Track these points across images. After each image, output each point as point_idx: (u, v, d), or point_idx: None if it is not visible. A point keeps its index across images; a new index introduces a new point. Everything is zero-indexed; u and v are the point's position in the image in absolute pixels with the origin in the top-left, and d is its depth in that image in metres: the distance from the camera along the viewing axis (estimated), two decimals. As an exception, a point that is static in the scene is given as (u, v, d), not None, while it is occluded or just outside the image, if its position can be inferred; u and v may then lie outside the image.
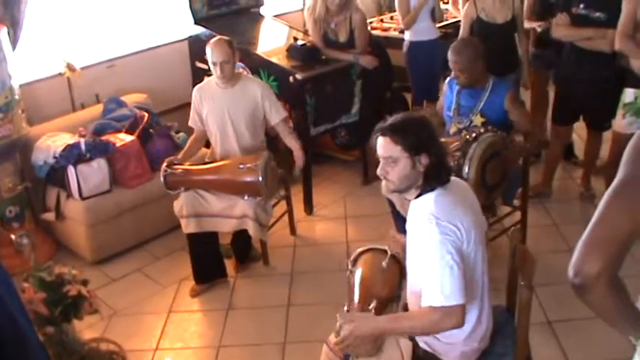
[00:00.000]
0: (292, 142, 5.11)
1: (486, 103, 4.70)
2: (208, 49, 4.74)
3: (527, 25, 6.01)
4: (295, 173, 5.28)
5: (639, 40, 4.82)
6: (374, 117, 5.14)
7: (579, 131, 6.17)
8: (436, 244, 2.73)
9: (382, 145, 2.88)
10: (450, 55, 4.73)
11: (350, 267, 3.39)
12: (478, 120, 4.67)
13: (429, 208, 2.83)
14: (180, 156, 4.98)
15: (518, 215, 5.14)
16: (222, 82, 4.83)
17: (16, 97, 5.15)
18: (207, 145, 5.22)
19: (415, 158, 2.84)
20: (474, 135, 4.33)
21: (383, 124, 2.90)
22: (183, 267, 5.12)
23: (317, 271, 5.13)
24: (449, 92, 4.90)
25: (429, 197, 2.88)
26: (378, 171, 2.93)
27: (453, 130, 4.74)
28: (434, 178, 2.89)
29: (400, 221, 4.44)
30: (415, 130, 2.88)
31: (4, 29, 5.10)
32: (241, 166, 4.68)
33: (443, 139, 4.39)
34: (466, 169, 4.19)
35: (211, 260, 5.05)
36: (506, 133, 4.62)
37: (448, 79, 4.93)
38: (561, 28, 5.32)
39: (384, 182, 2.99)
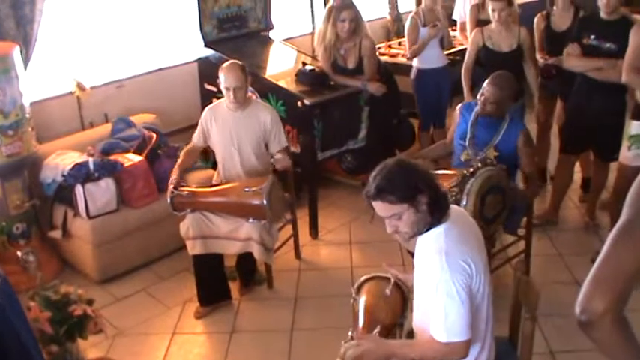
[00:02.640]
0: (280, 159, 4.99)
1: (502, 139, 4.71)
2: (221, 74, 4.78)
3: (538, 56, 6.05)
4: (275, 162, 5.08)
5: None
6: (381, 143, 5.20)
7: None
8: (445, 281, 2.76)
9: (379, 209, 2.88)
10: (487, 85, 4.71)
11: (354, 295, 3.43)
12: (491, 154, 4.67)
13: (439, 243, 2.85)
14: (174, 170, 4.99)
15: (522, 244, 5.14)
16: (233, 107, 4.86)
17: (27, 115, 5.20)
18: (215, 166, 5.23)
19: (414, 204, 2.84)
20: (471, 170, 4.34)
21: (369, 189, 2.87)
22: (188, 288, 5.13)
23: (321, 295, 5.13)
24: (462, 120, 4.90)
25: (438, 231, 2.90)
26: (388, 230, 2.93)
27: (464, 157, 4.74)
28: (438, 210, 2.90)
29: None
30: (401, 179, 2.85)
31: (17, 48, 5.15)
32: (247, 189, 4.71)
33: (442, 172, 4.44)
34: (464, 202, 4.19)
35: (216, 282, 5.06)
36: (512, 169, 4.68)
37: (461, 105, 4.93)
38: (572, 59, 5.37)
39: (396, 237, 2.98)
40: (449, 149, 5.04)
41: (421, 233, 2.95)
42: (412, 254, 4.47)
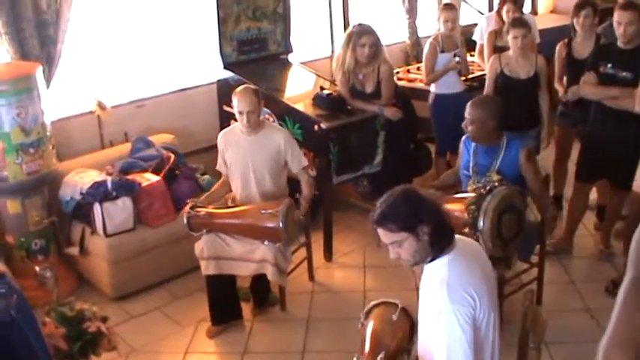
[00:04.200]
0: (305, 189, 5.15)
1: (503, 161, 4.70)
2: (235, 98, 4.84)
3: (556, 85, 6.09)
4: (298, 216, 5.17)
5: None
6: (397, 168, 5.23)
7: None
8: (448, 313, 2.78)
9: (382, 235, 2.92)
10: (469, 107, 4.73)
11: (362, 319, 3.46)
12: (495, 177, 4.65)
13: (442, 274, 2.87)
14: (203, 198, 5.07)
15: (535, 271, 5.13)
16: (246, 130, 4.92)
17: (48, 133, 5.29)
18: (231, 188, 5.29)
19: (415, 233, 2.86)
20: (487, 188, 4.35)
21: (374, 214, 2.92)
22: (201, 308, 5.15)
23: (334, 318, 5.15)
24: (465, 151, 4.92)
25: (442, 262, 2.92)
26: (391, 255, 2.96)
27: (470, 188, 4.74)
28: (438, 242, 2.92)
29: None
30: (404, 208, 2.89)
31: (40, 68, 5.24)
32: (263, 211, 4.75)
33: (458, 195, 4.44)
34: (480, 222, 4.18)
35: (228, 302, 5.10)
36: (523, 190, 4.64)
37: (464, 137, 4.96)
38: (588, 87, 5.39)
39: (399, 262, 3.01)
40: (458, 177, 5.07)
41: (424, 262, 2.97)
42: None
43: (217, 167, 5.18)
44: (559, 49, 6.13)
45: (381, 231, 2.91)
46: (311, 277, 5.68)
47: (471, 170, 4.77)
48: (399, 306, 3.40)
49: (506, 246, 4.37)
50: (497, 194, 4.27)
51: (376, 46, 5.98)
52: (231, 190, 5.24)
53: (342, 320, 5.06)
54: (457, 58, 6.56)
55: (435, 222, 2.90)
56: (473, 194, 4.39)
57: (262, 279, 5.01)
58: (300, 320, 5.16)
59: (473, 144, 4.80)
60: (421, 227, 2.86)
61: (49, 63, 5.55)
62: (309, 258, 5.64)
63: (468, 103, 4.75)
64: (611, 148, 5.35)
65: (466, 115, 4.71)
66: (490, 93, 6.05)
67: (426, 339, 3.00)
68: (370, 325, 3.39)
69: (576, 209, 5.86)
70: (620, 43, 5.24)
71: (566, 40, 6.12)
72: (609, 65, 5.26)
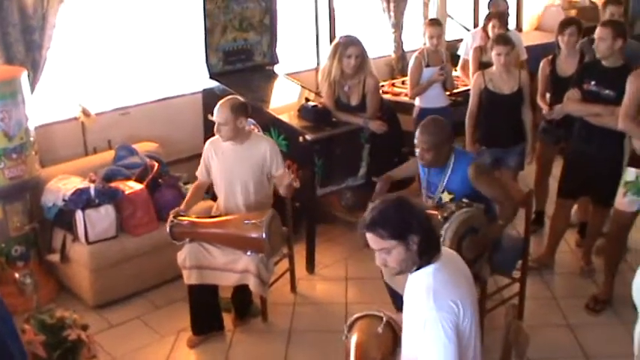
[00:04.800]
0: (284, 188, 5.15)
1: (450, 180, 4.58)
2: (214, 110, 4.87)
3: (539, 102, 6.13)
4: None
5: None
6: (381, 181, 5.23)
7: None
8: (433, 321, 2.79)
9: (371, 240, 2.92)
10: (418, 134, 4.54)
11: (346, 332, 3.45)
12: (446, 196, 4.60)
13: (427, 283, 2.89)
14: (182, 205, 5.05)
15: (517, 286, 5.13)
16: (226, 140, 4.92)
17: (31, 138, 5.26)
18: (214, 198, 5.28)
19: (405, 242, 2.88)
20: (445, 215, 4.26)
21: (364, 219, 2.93)
22: (182, 318, 5.13)
23: (315, 330, 5.14)
24: (421, 169, 4.82)
25: (427, 271, 2.94)
26: (378, 262, 2.97)
27: (428, 204, 4.67)
28: (427, 252, 2.94)
29: (391, 292, 4.50)
30: (396, 216, 2.91)
31: (25, 72, 5.22)
32: (246, 221, 4.75)
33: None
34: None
35: (210, 312, 5.08)
36: (484, 206, 4.52)
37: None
38: (572, 103, 5.43)
39: (384, 269, 3.03)
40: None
41: (410, 271, 2.99)
42: (391, 292, 4.51)
43: (197, 172, 5.18)
44: (543, 65, 6.17)
45: (370, 236, 2.91)
46: (293, 288, 5.68)
47: (424, 190, 4.76)
48: (384, 318, 3.40)
49: (472, 266, 4.33)
50: (454, 221, 4.20)
51: (362, 57, 6.01)
52: (206, 193, 5.27)
53: (324, 332, 5.06)
54: (441, 70, 6.59)
55: (425, 232, 2.92)
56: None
57: (244, 290, 4.99)
58: (282, 332, 5.15)
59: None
60: (411, 237, 2.88)
61: (34, 68, 5.53)
62: (291, 269, 5.63)
63: (418, 130, 4.55)
64: (593, 165, 5.38)
65: (418, 143, 4.52)
66: (474, 108, 6.12)
67: (411, 349, 3.00)
68: (354, 338, 3.38)
69: (558, 226, 5.89)
70: (603, 61, 5.29)
71: (550, 57, 6.17)
72: (593, 82, 5.30)
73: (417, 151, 4.56)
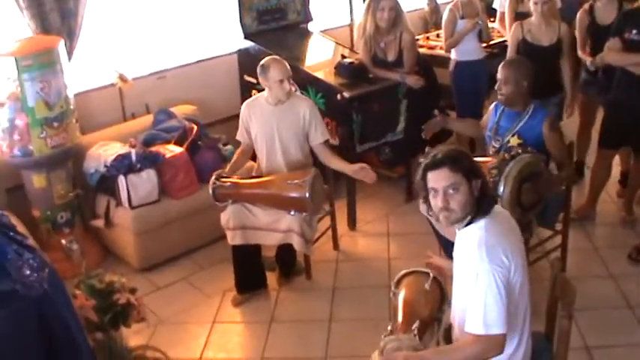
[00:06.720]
0: (341, 164, 5.09)
1: (524, 126, 4.67)
2: (270, 69, 4.82)
3: (580, 55, 6.02)
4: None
5: None
6: (419, 135, 5.22)
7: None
8: (485, 273, 2.80)
9: (442, 176, 2.91)
10: (500, 68, 4.73)
11: (393, 289, 3.47)
12: (514, 141, 4.66)
13: (480, 236, 2.90)
14: (227, 169, 5.08)
15: (559, 238, 5.12)
16: (283, 98, 4.91)
17: (71, 106, 5.31)
18: (254, 158, 5.29)
19: (472, 184, 2.91)
20: (511, 154, 4.34)
21: (430, 159, 2.95)
22: (227, 278, 5.18)
23: (359, 286, 5.18)
24: (493, 114, 4.90)
25: (479, 225, 2.95)
26: (439, 204, 2.94)
27: (491, 150, 4.77)
28: (486, 202, 2.97)
29: (444, 241, 4.48)
30: (464, 157, 2.97)
31: (61, 41, 5.25)
32: (289, 181, 4.77)
33: (479, 159, 4.42)
34: (501, 187, 4.16)
35: (254, 271, 5.14)
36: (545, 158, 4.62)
37: (494, 102, 4.93)
38: (613, 53, 5.34)
39: (442, 215, 2.98)
40: (479, 132, 5.08)
41: (462, 222, 2.99)
42: (441, 241, 4.51)
43: (237, 136, 5.18)
44: (580, 16, 6.01)
45: (439, 173, 2.92)
46: (335, 245, 5.70)
47: (491, 131, 4.79)
48: (431, 275, 3.42)
49: (526, 213, 4.34)
50: (519, 161, 4.24)
51: (396, 10, 5.95)
52: (251, 159, 5.26)
53: (367, 288, 5.11)
54: (478, 20, 6.48)
55: (485, 184, 2.98)
56: (494, 160, 4.37)
57: (288, 249, 5.03)
58: (326, 289, 5.20)
59: (501, 108, 4.79)
60: (476, 181, 2.93)
61: (70, 36, 5.55)
62: (333, 227, 5.65)
63: (500, 65, 4.75)
64: (635, 115, 5.31)
65: (498, 76, 4.70)
66: (512, 60, 6.01)
67: (461, 304, 3.02)
68: (402, 295, 3.40)
69: (599, 176, 5.83)
70: (643, 7, 5.19)
71: (587, 7, 6.02)
72: (634, 31, 5.19)
73: (497, 85, 4.74)
